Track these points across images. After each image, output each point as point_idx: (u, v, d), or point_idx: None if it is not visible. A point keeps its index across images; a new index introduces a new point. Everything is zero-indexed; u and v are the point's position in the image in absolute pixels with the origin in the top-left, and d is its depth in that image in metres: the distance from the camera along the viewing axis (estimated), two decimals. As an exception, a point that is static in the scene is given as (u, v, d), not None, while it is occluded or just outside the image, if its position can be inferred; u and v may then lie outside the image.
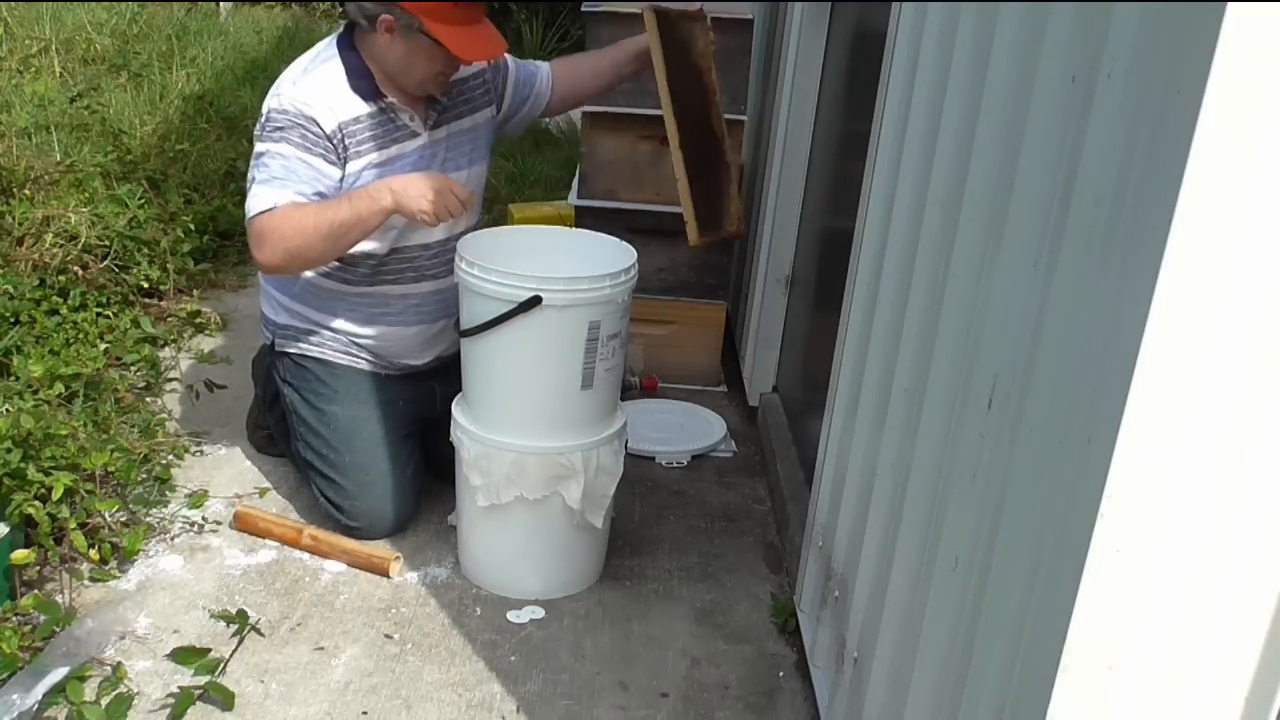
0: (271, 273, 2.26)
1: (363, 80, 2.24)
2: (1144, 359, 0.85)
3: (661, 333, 3.12)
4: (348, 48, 2.26)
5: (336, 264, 2.30)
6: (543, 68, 2.58)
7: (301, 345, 2.39)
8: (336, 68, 2.24)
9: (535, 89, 2.54)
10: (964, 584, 1.22)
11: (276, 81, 2.26)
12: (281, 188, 2.13)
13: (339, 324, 2.37)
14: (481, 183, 2.47)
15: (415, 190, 2.09)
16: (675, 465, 2.75)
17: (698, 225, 2.35)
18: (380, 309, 2.35)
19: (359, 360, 2.40)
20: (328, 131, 2.18)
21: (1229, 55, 0.78)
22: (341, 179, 2.21)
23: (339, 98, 2.21)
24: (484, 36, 2.23)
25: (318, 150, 2.17)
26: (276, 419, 2.54)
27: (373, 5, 2.19)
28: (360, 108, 2.23)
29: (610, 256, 2.15)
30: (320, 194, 2.16)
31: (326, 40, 2.32)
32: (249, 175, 2.19)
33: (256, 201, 2.13)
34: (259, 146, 2.19)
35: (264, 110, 2.22)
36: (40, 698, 1.74)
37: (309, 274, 2.33)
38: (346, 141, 2.21)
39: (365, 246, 2.26)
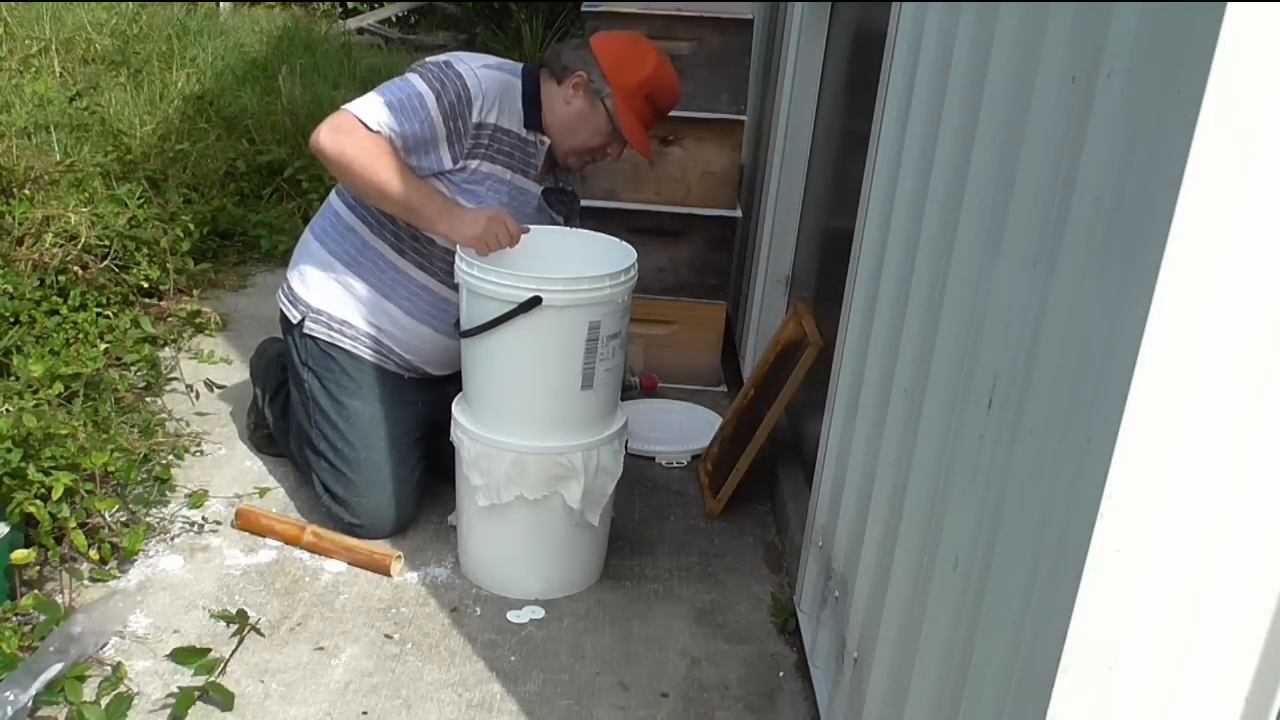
0: (316, 154, 2.23)
1: (533, 110, 2.30)
2: (1144, 359, 0.85)
3: (661, 333, 3.12)
4: (532, 81, 2.32)
5: (414, 246, 2.31)
6: None
7: (334, 334, 2.35)
8: (517, 85, 2.30)
9: None
10: (964, 584, 1.22)
11: (459, 54, 2.31)
12: (397, 119, 2.16)
13: (386, 311, 2.34)
14: None
15: (467, 220, 2.13)
16: (675, 465, 2.75)
17: (714, 495, 2.58)
18: (434, 310, 2.34)
19: (387, 361, 2.39)
20: (474, 121, 2.21)
21: (1229, 55, 0.78)
22: (462, 168, 2.24)
23: (506, 105, 2.26)
24: (647, 137, 2.36)
25: (452, 124, 2.20)
26: (277, 413, 2.53)
27: (574, 60, 2.28)
28: (516, 125, 2.28)
29: (610, 256, 2.15)
30: (410, 154, 2.18)
31: (505, 62, 2.37)
32: (380, 86, 2.22)
33: (369, 111, 2.16)
34: (412, 75, 2.22)
35: (442, 59, 2.25)
36: (34, 695, 1.74)
37: (385, 248, 2.32)
38: (486, 141, 2.24)
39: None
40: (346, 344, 2.36)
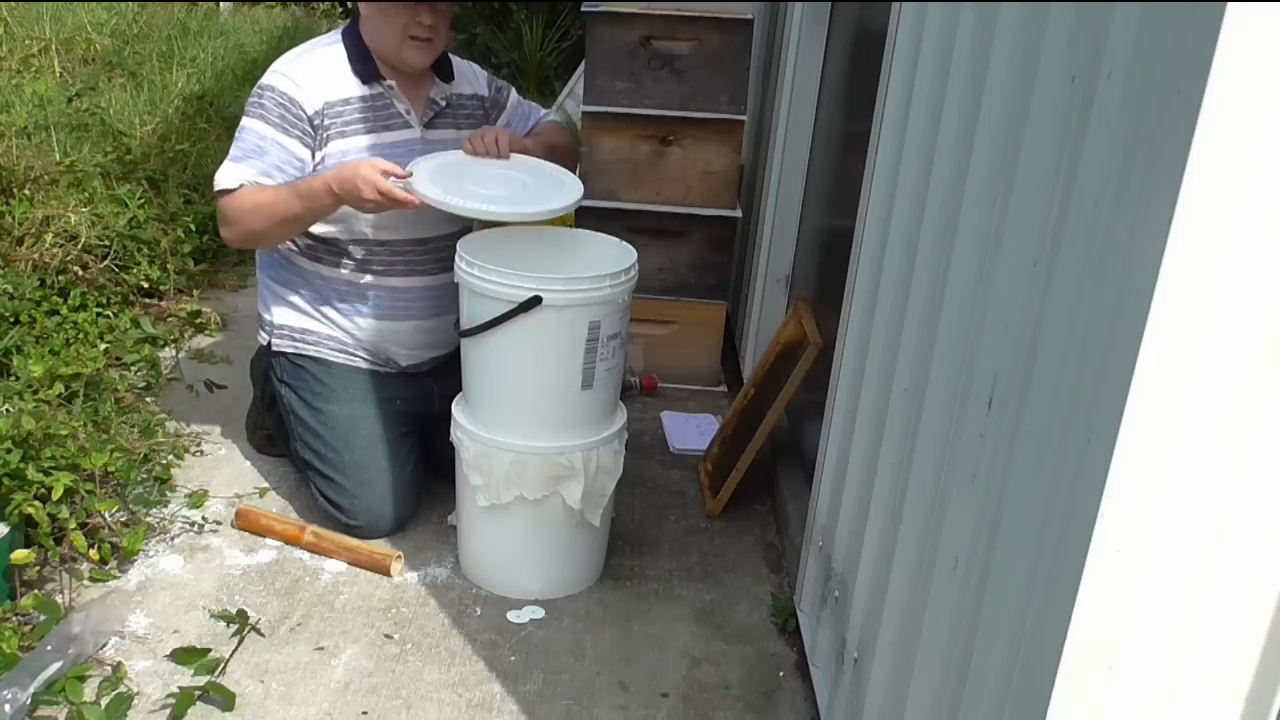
0: (238, 246, 2.36)
1: (364, 63, 2.30)
2: (1144, 359, 0.85)
3: (661, 333, 3.12)
4: (353, 34, 2.33)
5: (327, 250, 2.33)
6: (544, 114, 2.63)
7: (298, 344, 2.40)
8: (338, 51, 2.32)
9: (534, 126, 2.60)
10: (964, 584, 1.22)
11: (274, 64, 2.33)
12: (249, 166, 2.22)
13: (331, 315, 2.37)
14: None
15: (352, 185, 2.11)
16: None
17: (714, 495, 2.57)
18: (369, 302, 2.36)
19: (355, 358, 2.40)
20: (309, 114, 2.24)
21: (1229, 55, 0.78)
22: (321, 161, 2.26)
23: (334, 78, 2.28)
24: None
25: (294, 132, 2.24)
26: (275, 420, 2.54)
27: None
28: (355, 89, 2.29)
29: (610, 256, 2.15)
30: (292, 177, 2.23)
31: (329, 33, 2.40)
32: (231, 145, 2.29)
33: (224, 177, 2.24)
34: (244, 119, 2.28)
35: (260, 83, 2.30)
36: (33, 693, 1.74)
37: (303, 260, 2.36)
38: (329, 123, 2.26)
39: (346, 234, 2.31)
40: (311, 350, 2.40)
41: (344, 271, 2.34)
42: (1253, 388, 0.86)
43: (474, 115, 2.48)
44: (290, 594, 2.16)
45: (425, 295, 2.38)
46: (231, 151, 2.26)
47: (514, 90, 2.61)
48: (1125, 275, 0.89)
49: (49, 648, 1.83)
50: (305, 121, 2.24)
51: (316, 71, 2.27)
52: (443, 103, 2.40)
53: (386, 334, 2.39)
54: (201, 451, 2.64)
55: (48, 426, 2.15)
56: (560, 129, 2.66)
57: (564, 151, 2.57)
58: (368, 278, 2.34)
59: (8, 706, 1.69)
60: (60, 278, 3.02)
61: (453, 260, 2.11)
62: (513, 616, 2.14)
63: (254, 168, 2.23)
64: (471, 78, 2.51)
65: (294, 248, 2.36)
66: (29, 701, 1.73)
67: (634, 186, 3.01)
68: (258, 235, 2.28)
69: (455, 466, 2.20)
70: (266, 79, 2.28)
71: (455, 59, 2.47)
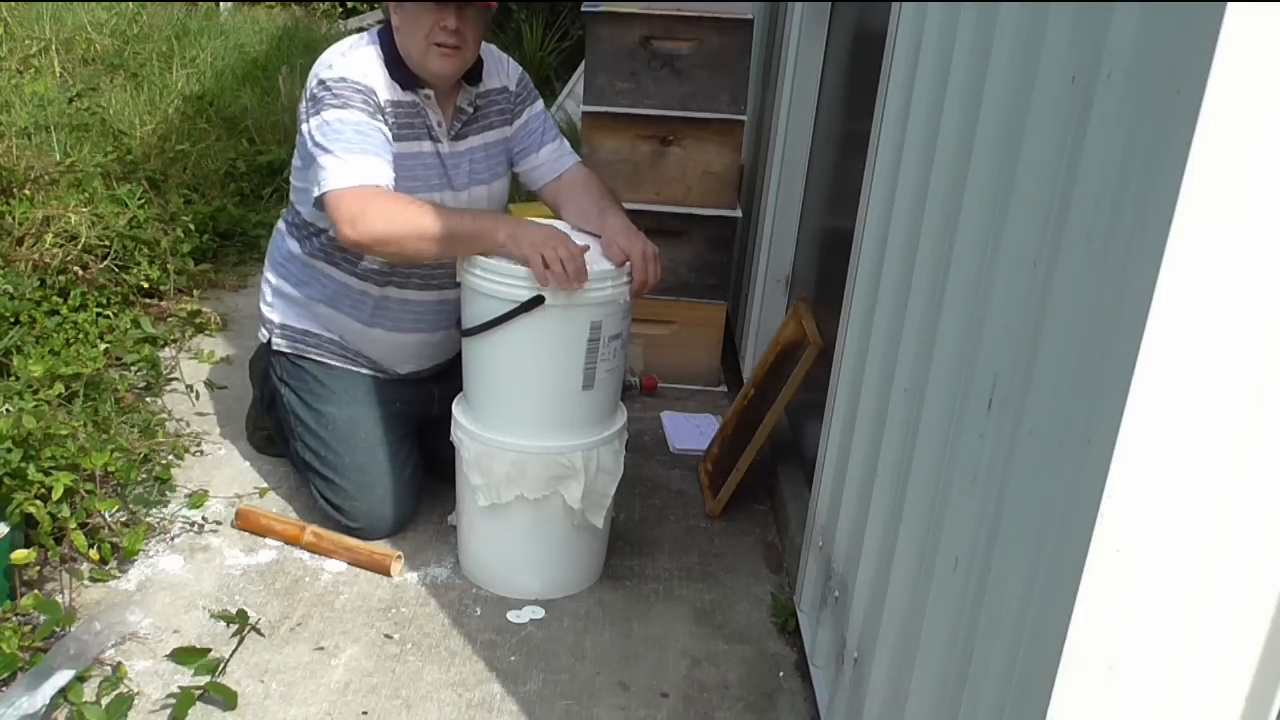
0: (356, 249, 2.14)
1: (400, 69, 2.22)
2: (1144, 359, 0.85)
3: (661, 333, 3.12)
4: (388, 37, 2.24)
5: (344, 256, 2.29)
6: (564, 162, 2.42)
7: (299, 346, 2.39)
8: (376, 54, 2.23)
9: (537, 159, 2.42)
10: (964, 584, 1.22)
11: (318, 62, 2.23)
12: (366, 158, 2.08)
13: (339, 321, 2.36)
14: (503, 199, 2.46)
15: (531, 239, 1.97)
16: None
17: (714, 495, 2.57)
18: (380, 312, 2.34)
19: (355, 363, 2.40)
20: (380, 103, 2.18)
21: (1229, 55, 0.78)
22: None
23: (377, 79, 2.20)
24: None
25: (379, 117, 2.16)
26: (275, 420, 2.53)
27: None
28: (394, 94, 2.22)
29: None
30: (393, 158, 2.15)
31: (364, 33, 2.31)
32: (316, 145, 2.12)
33: (346, 171, 2.07)
34: (326, 114, 2.12)
35: (316, 82, 2.17)
36: (48, 700, 1.74)
37: (320, 263, 2.33)
38: (386, 120, 2.20)
39: None
40: (313, 353, 2.39)
41: (360, 280, 2.31)
42: (1252, 387, 0.86)
43: (504, 112, 2.39)
44: (290, 594, 2.16)
45: (436, 309, 2.34)
46: (332, 147, 2.08)
47: (541, 103, 2.46)
48: (1125, 275, 0.89)
49: (71, 653, 1.82)
50: (380, 111, 2.16)
51: (366, 69, 2.19)
52: (470, 109, 2.32)
53: (392, 345, 2.37)
54: (201, 451, 2.64)
55: (48, 426, 2.15)
56: (592, 176, 2.46)
57: (608, 193, 2.41)
58: (379, 288, 2.32)
59: (21, 712, 1.69)
60: (60, 278, 3.02)
61: None
62: (513, 616, 2.14)
63: (366, 153, 2.09)
64: (499, 69, 2.39)
65: (313, 250, 2.32)
66: (43, 709, 1.73)
67: (634, 186, 3.01)
68: (392, 240, 2.06)
69: (455, 467, 2.20)
70: (330, 73, 2.15)
71: (483, 49, 2.32)
